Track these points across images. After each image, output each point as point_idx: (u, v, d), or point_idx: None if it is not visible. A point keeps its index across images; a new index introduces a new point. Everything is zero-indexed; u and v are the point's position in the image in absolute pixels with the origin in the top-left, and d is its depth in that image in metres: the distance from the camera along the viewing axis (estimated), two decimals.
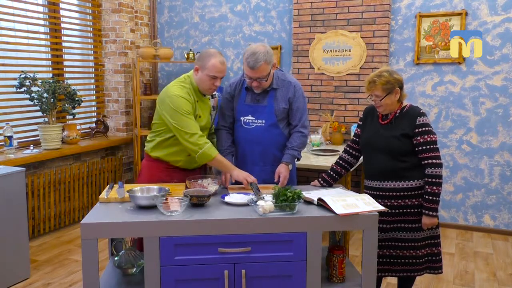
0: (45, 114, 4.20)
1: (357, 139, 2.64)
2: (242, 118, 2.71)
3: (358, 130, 2.65)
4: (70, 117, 4.52)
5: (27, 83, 4.03)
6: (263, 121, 2.66)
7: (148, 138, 2.74)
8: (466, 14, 4.24)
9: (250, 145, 2.72)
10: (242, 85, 2.75)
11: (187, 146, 2.48)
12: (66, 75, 4.78)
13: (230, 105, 2.79)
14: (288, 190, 2.14)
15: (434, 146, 2.38)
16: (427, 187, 2.37)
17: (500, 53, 4.19)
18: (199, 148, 2.45)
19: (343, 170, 2.67)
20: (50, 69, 4.62)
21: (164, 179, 2.60)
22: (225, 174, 2.63)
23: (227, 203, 2.24)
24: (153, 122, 2.69)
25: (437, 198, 2.37)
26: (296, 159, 2.72)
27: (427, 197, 2.38)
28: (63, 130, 4.43)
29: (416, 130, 2.38)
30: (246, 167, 2.74)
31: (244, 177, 2.48)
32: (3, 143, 3.92)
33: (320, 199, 2.19)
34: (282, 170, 2.61)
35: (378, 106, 2.44)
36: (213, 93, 2.81)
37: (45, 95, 4.06)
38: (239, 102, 2.73)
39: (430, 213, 2.37)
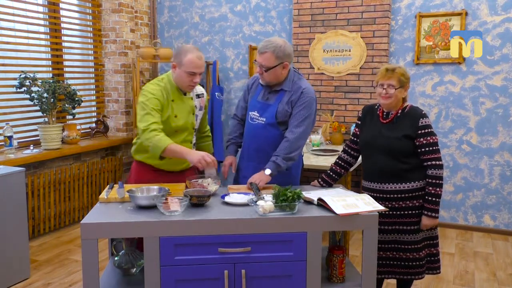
0: (45, 114, 4.20)
1: (355, 139, 2.63)
2: (250, 113, 2.74)
3: (357, 129, 2.63)
4: (70, 117, 4.52)
5: (27, 83, 4.03)
6: (264, 119, 2.66)
7: (133, 141, 2.74)
8: (466, 14, 4.24)
9: (248, 140, 2.75)
10: (259, 81, 2.74)
11: (142, 141, 2.44)
12: (66, 75, 4.78)
13: (246, 97, 2.82)
14: (288, 190, 2.14)
15: (436, 147, 2.38)
16: (430, 188, 2.37)
17: (500, 53, 4.19)
18: (150, 142, 2.39)
19: (343, 170, 2.67)
20: (50, 69, 4.62)
21: (152, 182, 2.55)
22: (224, 166, 2.71)
23: (227, 203, 2.24)
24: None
25: (439, 200, 2.37)
26: (278, 165, 2.52)
27: (429, 198, 2.37)
28: (63, 130, 4.43)
29: (419, 132, 2.37)
30: (243, 162, 2.79)
31: (199, 160, 2.34)
32: (3, 143, 3.92)
33: (320, 199, 2.19)
34: (256, 176, 2.49)
35: (387, 97, 2.39)
36: (200, 93, 2.76)
37: (45, 95, 4.06)
38: (253, 97, 2.75)
39: (433, 214, 2.37)
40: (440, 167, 2.37)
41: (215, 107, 5.03)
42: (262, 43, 2.55)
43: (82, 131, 4.73)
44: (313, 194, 2.30)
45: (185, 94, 2.64)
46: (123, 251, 2.27)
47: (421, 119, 2.38)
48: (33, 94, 4.05)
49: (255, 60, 2.60)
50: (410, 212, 2.42)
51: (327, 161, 3.55)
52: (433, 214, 2.37)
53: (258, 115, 2.68)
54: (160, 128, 2.44)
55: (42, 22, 4.50)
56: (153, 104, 2.46)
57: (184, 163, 2.64)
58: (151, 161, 2.62)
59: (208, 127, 2.98)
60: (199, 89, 2.77)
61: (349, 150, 2.67)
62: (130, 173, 2.77)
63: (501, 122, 4.25)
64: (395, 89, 2.37)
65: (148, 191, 2.27)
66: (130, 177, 2.74)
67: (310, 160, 3.66)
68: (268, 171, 2.50)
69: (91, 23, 5.08)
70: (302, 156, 2.92)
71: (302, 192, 2.19)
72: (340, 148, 4.09)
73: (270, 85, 2.65)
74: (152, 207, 2.13)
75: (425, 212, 2.39)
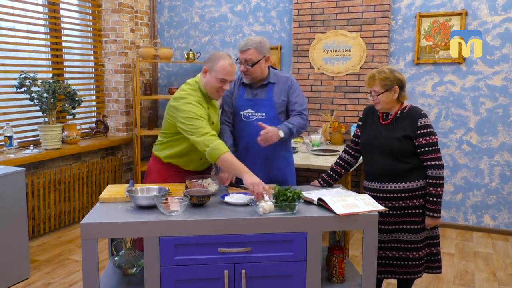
0: (45, 114, 4.20)
1: (356, 140, 2.64)
2: (241, 112, 2.73)
3: (358, 130, 2.64)
4: (70, 117, 4.51)
5: (27, 83, 4.03)
6: (264, 114, 2.68)
7: (158, 143, 2.66)
8: (466, 14, 4.24)
9: (252, 138, 2.68)
10: (239, 81, 2.79)
11: (197, 143, 2.34)
12: (66, 75, 4.78)
13: (229, 101, 2.83)
14: (288, 190, 2.14)
15: (436, 147, 2.38)
16: (431, 188, 2.37)
17: (500, 53, 4.19)
18: (209, 145, 2.31)
19: (343, 170, 2.67)
20: (50, 69, 4.62)
21: (176, 182, 2.57)
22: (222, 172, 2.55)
23: (227, 203, 2.24)
24: (163, 130, 2.60)
25: (440, 200, 2.37)
26: (290, 133, 2.61)
27: (430, 198, 2.38)
28: (63, 130, 4.43)
29: (418, 132, 2.37)
30: (247, 161, 2.72)
31: (251, 183, 2.20)
32: (3, 143, 3.92)
33: (320, 199, 2.19)
34: (270, 129, 2.51)
35: (376, 103, 2.45)
36: None
37: (45, 95, 4.06)
38: (238, 98, 2.76)
39: (435, 214, 2.37)
40: (441, 167, 2.37)
41: None
42: (242, 42, 2.65)
43: (82, 131, 4.73)
44: (313, 194, 2.30)
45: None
46: (123, 251, 2.27)
47: (420, 119, 2.38)
48: (33, 94, 4.04)
49: (237, 59, 2.67)
50: (411, 211, 2.42)
51: (327, 161, 3.55)
52: (435, 214, 2.38)
53: (254, 111, 2.70)
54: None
55: (42, 22, 4.50)
56: (201, 112, 2.42)
57: (208, 162, 2.63)
58: (184, 166, 2.62)
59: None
60: None
61: (350, 151, 2.67)
62: (150, 173, 2.69)
63: (501, 122, 4.24)
64: (380, 94, 2.40)
65: (148, 191, 2.27)
66: (151, 178, 2.66)
67: (310, 160, 3.66)
68: (281, 133, 2.56)
69: (91, 23, 5.08)
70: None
71: (302, 192, 2.19)
72: (340, 148, 4.09)
73: (255, 81, 2.70)
74: (152, 207, 2.13)
75: (427, 213, 2.39)
